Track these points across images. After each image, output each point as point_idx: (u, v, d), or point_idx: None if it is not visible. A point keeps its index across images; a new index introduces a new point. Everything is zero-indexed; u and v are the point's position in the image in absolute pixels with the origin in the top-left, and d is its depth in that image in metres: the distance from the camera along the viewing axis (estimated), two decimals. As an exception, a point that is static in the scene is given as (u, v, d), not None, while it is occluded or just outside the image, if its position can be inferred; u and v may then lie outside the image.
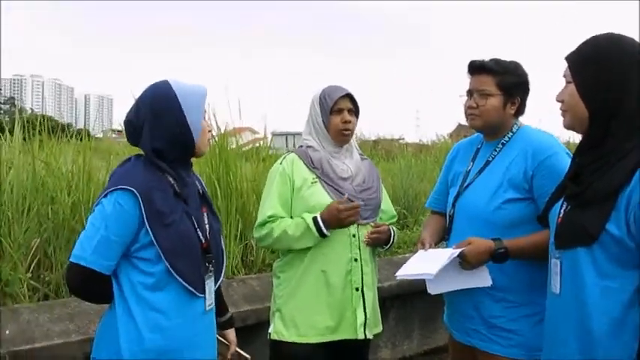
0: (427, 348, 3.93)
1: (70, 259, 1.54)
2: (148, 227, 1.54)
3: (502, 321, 1.89)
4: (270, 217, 2.08)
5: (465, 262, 1.83)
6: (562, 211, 1.52)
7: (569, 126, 1.53)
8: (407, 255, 3.95)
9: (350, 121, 2.15)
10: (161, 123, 1.60)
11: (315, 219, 2.03)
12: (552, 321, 1.56)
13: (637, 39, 1.45)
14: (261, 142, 5.00)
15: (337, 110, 2.14)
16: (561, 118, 1.56)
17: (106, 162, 3.57)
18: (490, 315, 1.91)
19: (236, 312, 2.65)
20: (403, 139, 13.44)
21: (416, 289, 3.56)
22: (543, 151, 1.87)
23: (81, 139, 3.73)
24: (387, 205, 2.34)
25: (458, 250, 1.81)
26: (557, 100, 1.54)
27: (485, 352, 1.92)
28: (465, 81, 2.03)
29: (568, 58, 1.51)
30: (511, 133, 1.98)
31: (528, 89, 1.99)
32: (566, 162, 1.80)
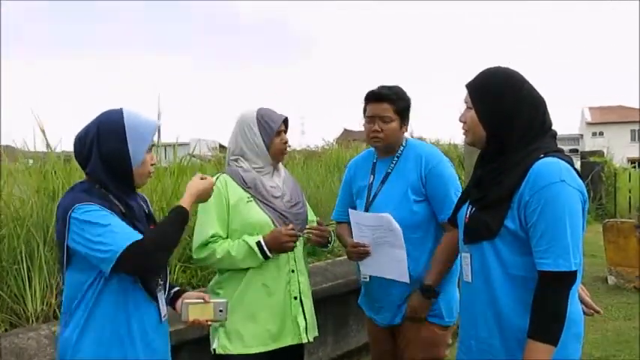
0: (339, 352, 4.05)
1: (106, 257, 1.58)
2: None
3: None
4: (212, 236, 2.17)
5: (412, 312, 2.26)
6: (468, 212, 1.78)
7: (470, 143, 1.80)
8: (315, 263, 4.04)
9: (287, 141, 2.37)
10: (101, 147, 1.66)
11: (259, 244, 2.15)
12: (466, 305, 1.82)
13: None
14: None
15: (278, 132, 2.32)
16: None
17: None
18: None
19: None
20: (290, 145, 13.70)
21: (329, 294, 3.69)
22: (432, 158, 2.29)
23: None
24: (311, 215, 2.49)
25: (387, 215, 2.16)
26: (460, 121, 1.78)
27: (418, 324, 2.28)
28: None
29: (469, 87, 1.73)
30: (402, 147, 2.36)
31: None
32: (449, 168, 2.26)
